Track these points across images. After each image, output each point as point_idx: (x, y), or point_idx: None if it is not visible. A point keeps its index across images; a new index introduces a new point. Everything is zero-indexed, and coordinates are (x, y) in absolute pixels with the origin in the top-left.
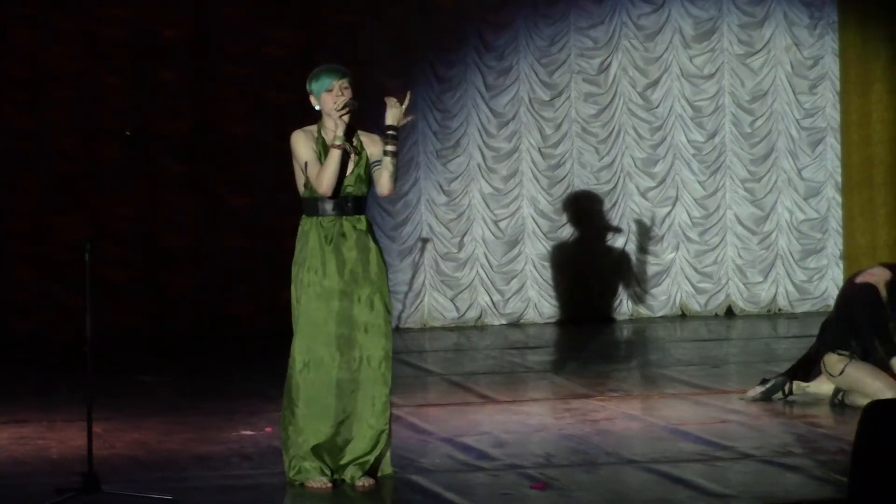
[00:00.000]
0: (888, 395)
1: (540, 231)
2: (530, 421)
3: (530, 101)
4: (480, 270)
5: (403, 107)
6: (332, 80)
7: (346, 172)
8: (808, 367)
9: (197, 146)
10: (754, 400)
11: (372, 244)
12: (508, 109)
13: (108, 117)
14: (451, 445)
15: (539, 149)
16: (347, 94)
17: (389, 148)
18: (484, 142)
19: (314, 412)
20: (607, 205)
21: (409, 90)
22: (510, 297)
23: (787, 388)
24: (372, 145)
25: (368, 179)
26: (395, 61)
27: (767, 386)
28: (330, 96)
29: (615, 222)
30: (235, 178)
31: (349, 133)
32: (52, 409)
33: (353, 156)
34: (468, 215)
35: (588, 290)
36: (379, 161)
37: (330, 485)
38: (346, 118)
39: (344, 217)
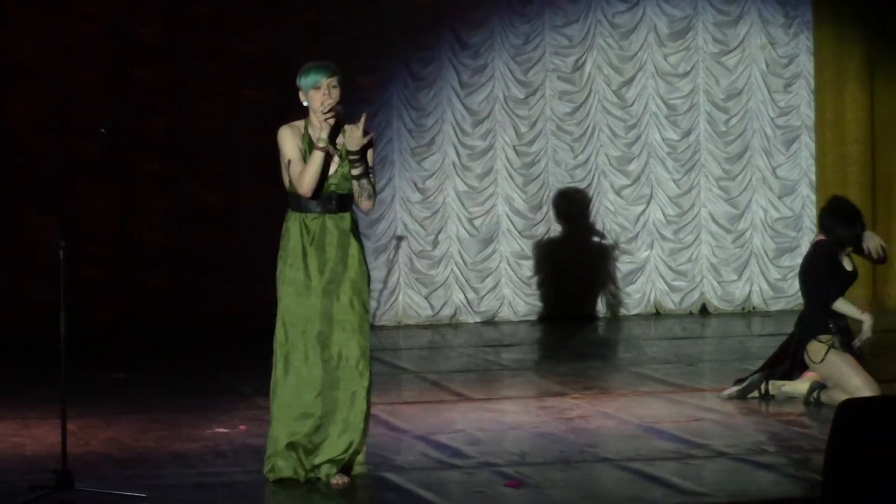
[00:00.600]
0: (866, 393)
1: (514, 229)
2: (505, 419)
3: (505, 98)
4: (455, 268)
5: (360, 127)
6: (320, 77)
7: (328, 173)
8: (787, 366)
9: (171, 144)
10: (730, 398)
11: (354, 242)
12: (483, 107)
13: (82, 116)
14: (425, 443)
15: (514, 147)
16: (335, 93)
17: (354, 172)
18: (459, 139)
19: (293, 409)
20: (582, 203)
21: (363, 113)
22: (485, 295)
23: (763, 387)
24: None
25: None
26: (369, 59)
27: (744, 384)
28: (318, 94)
29: (590, 220)
30: (210, 176)
31: (335, 131)
32: (26, 407)
33: (335, 156)
34: (443, 213)
35: (562, 287)
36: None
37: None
38: (331, 121)
39: (328, 215)
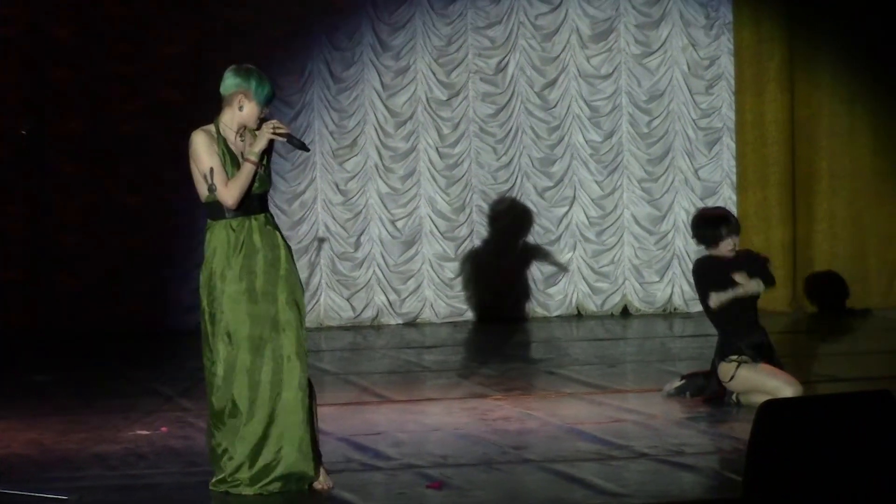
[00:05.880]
0: (787, 391)
1: (437, 231)
2: (426, 420)
3: (428, 100)
4: (377, 270)
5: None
6: (272, 96)
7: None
8: (713, 383)
9: (89, 145)
10: (669, 395)
11: (280, 241)
12: (406, 109)
13: (0, 117)
14: (347, 445)
15: (437, 148)
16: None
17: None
18: (381, 141)
19: (240, 422)
20: (504, 204)
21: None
22: (406, 297)
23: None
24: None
25: (269, 175)
26: (290, 60)
27: (682, 382)
28: (267, 111)
29: (512, 222)
30: (127, 177)
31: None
32: None
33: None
34: (365, 215)
35: (484, 289)
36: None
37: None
38: (280, 133)
39: (252, 216)
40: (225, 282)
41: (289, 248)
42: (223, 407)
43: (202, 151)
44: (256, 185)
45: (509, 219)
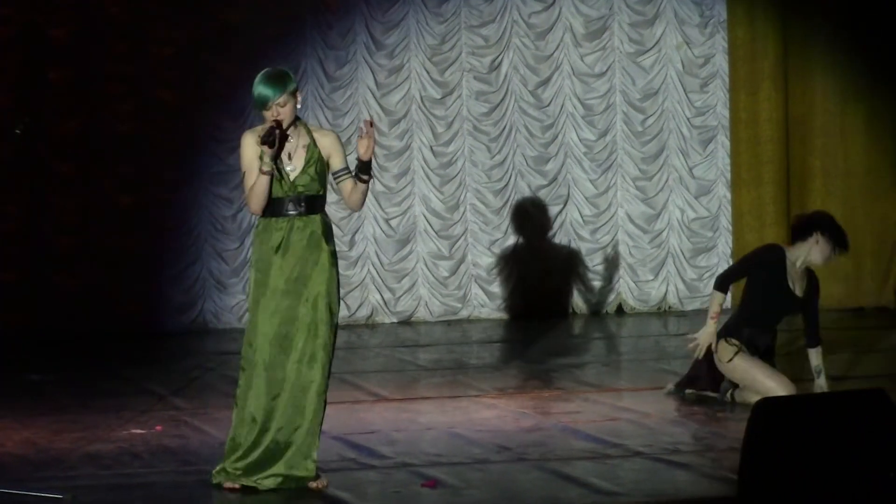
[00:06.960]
0: (780, 393)
1: (431, 229)
2: (421, 419)
3: (421, 99)
4: (371, 269)
5: (367, 137)
6: (267, 97)
7: (272, 193)
8: (705, 366)
9: (84, 145)
10: (669, 393)
11: (325, 246)
12: (400, 107)
13: None
14: (341, 443)
15: (430, 147)
16: (286, 111)
17: (364, 177)
18: (375, 140)
19: (257, 416)
20: (499, 203)
21: (368, 121)
22: (401, 296)
23: (729, 394)
24: (330, 147)
25: (322, 179)
26: (283, 59)
27: (679, 382)
28: (268, 115)
29: (507, 221)
30: (123, 177)
31: (283, 143)
32: None
33: (303, 151)
34: (359, 213)
35: (479, 288)
36: (344, 171)
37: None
38: (270, 146)
39: (297, 217)
40: (264, 277)
41: (333, 253)
42: (244, 401)
43: (243, 154)
44: (303, 185)
45: (504, 217)
